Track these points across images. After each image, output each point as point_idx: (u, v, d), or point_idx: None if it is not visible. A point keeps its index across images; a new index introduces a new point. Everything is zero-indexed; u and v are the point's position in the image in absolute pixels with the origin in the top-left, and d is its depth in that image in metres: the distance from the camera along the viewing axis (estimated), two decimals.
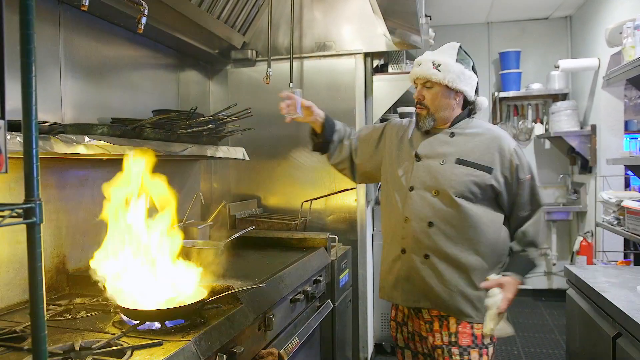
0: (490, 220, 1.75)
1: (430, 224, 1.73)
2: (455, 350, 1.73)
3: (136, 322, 1.42)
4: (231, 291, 1.60)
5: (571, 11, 5.04)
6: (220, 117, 2.26)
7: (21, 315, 1.59)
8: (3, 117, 0.76)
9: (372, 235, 3.42)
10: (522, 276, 1.74)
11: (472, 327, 1.74)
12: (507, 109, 5.34)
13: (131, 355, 1.21)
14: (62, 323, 1.49)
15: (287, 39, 3.11)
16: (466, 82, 1.76)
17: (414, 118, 1.88)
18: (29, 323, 0.76)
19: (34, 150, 0.75)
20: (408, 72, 1.89)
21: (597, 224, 3.68)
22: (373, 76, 3.14)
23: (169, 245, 1.62)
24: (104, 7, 2.00)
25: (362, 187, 3.07)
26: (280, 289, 1.92)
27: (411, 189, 1.78)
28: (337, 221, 3.10)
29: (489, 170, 1.73)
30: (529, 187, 1.77)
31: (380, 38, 3.03)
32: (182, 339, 1.31)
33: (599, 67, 4.23)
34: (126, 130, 1.82)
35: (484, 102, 1.85)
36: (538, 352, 3.75)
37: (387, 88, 3.19)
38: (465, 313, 1.73)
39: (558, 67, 4.40)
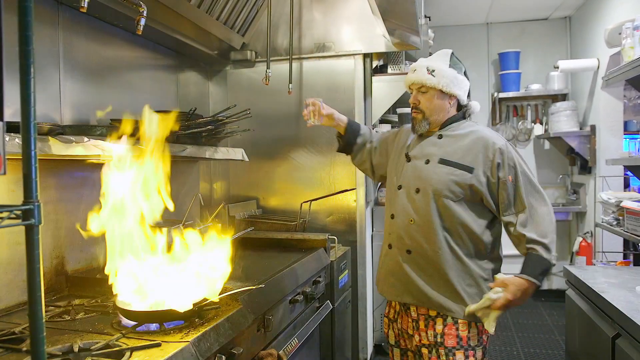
0: (471, 219, 1.77)
1: (412, 221, 1.81)
2: (441, 350, 1.76)
3: (135, 323, 1.42)
4: (230, 292, 1.60)
5: (570, 12, 5.05)
6: (220, 118, 2.26)
7: (20, 317, 1.59)
8: (1, 119, 0.75)
9: (372, 236, 3.42)
10: (535, 276, 1.68)
11: (457, 329, 1.76)
12: (506, 110, 5.35)
13: (130, 357, 1.20)
14: (61, 324, 1.49)
15: (286, 40, 3.11)
16: (459, 86, 1.83)
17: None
18: (28, 324, 0.76)
19: (33, 152, 0.75)
20: (407, 73, 1.92)
21: (596, 225, 3.68)
22: (372, 77, 3.15)
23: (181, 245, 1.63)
24: (103, 9, 2.00)
25: (361, 188, 3.07)
26: (280, 289, 1.92)
27: (399, 187, 1.88)
28: (337, 222, 3.10)
29: (469, 169, 1.76)
30: (512, 187, 1.74)
31: (379, 39, 3.03)
32: (181, 340, 1.31)
33: (598, 67, 4.24)
34: None
35: (476, 106, 1.92)
36: (537, 353, 3.75)
37: (387, 89, 3.19)
38: (446, 307, 1.76)
39: (557, 67, 4.41)
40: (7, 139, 1.25)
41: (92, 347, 1.26)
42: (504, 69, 5.16)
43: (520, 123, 5.25)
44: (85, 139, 1.59)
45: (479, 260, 1.79)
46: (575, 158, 4.87)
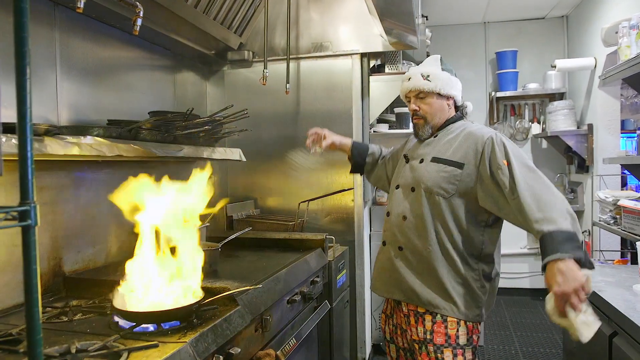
0: (464, 217, 1.77)
1: (404, 218, 1.85)
2: (430, 347, 1.77)
3: (132, 324, 1.41)
4: (228, 292, 1.60)
5: (567, 11, 5.06)
6: (217, 118, 2.25)
7: (17, 318, 1.58)
8: None
9: (370, 235, 3.42)
10: (554, 252, 1.46)
11: (446, 327, 1.76)
12: (504, 109, 5.36)
13: (127, 358, 1.20)
14: (58, 325, 1.49)
15: (283, 40, 3.10)
16: (454, 87, 1.90)
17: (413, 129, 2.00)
18: (25, 326, 0.75)
19: (29, 153, 0.75)
20: (404, 73, 1.94)
21: (593, 223, 3.69)
22: (370, 76, 3.15)
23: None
24: (100, 9, 2.00)
25: (359, 188, 3.07)
26: (278, 289, 1.92)
27: (397, 187, 1.95)
28: (335, 222, 3.10)
29: (459, 165, 1.77)
30: (507, 170, 1.65)
31: (376, 38, 3.03)
32: (178, 341, 1.30)
33: (595, 66, 4.25)
34: (122, 131, 1.82)
35: (469, 106, 2.00)
36: (535, 351, 3.76)
37: (384, 88, 3.19)
38: (435, 304, 1.77)
39: (554, 66, 4.42)
40: (3, 139, 1.25)
41: (89, 348, 1.26)
42: (502, 68, 5.17)
43: (517, 122, 5.26)
44: (82, 139, 1.59)
45: (470, 260, 1.79)
46: (572, 157, 4.88)
